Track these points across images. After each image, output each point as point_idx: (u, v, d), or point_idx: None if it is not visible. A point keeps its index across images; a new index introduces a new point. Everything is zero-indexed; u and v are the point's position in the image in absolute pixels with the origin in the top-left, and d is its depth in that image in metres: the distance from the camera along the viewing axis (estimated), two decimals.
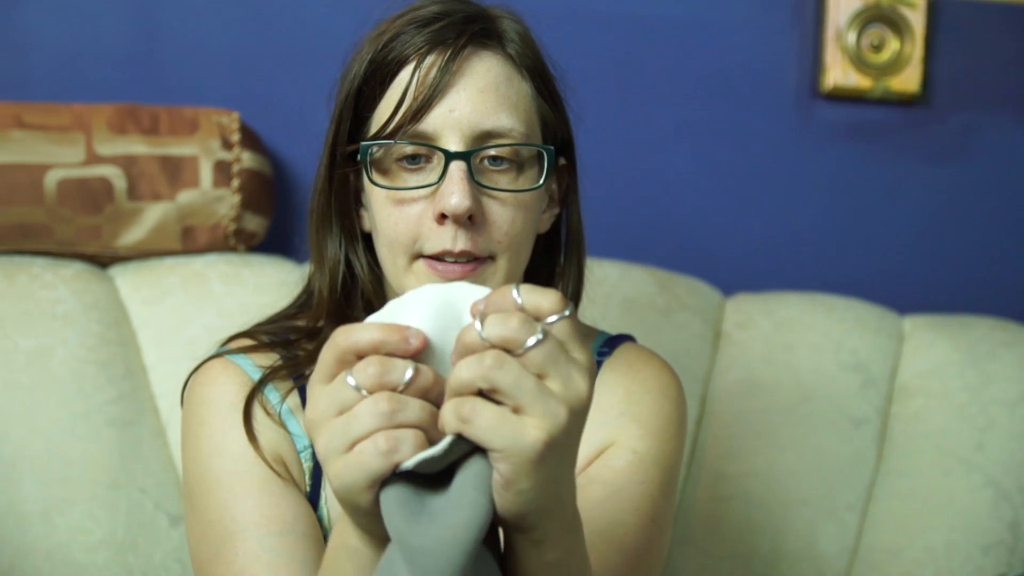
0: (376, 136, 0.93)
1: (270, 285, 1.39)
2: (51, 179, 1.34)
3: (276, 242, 1.54)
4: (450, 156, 0.90)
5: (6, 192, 1.33)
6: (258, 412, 0.96)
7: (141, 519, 1.26)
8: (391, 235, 0.93)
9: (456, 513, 0.65)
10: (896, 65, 1.71)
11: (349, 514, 0.70)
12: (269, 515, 0.90)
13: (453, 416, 0.65)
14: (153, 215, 1.38)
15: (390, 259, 0.94)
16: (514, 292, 0.67)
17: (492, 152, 0.92)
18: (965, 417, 1.50)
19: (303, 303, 1.07)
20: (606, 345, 1.08)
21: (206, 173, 1.39)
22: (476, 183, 0.91)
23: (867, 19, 1.69)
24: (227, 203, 1.41)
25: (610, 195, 1.62)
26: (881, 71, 1.70)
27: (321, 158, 0.99)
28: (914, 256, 1.76)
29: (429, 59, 0.91)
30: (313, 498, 0.96)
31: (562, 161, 1.02)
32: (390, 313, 0.70)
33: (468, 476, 0.66)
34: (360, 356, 0.67)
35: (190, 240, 1.41)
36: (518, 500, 0.66)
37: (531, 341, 0.65)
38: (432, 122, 0.91)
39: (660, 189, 1.69)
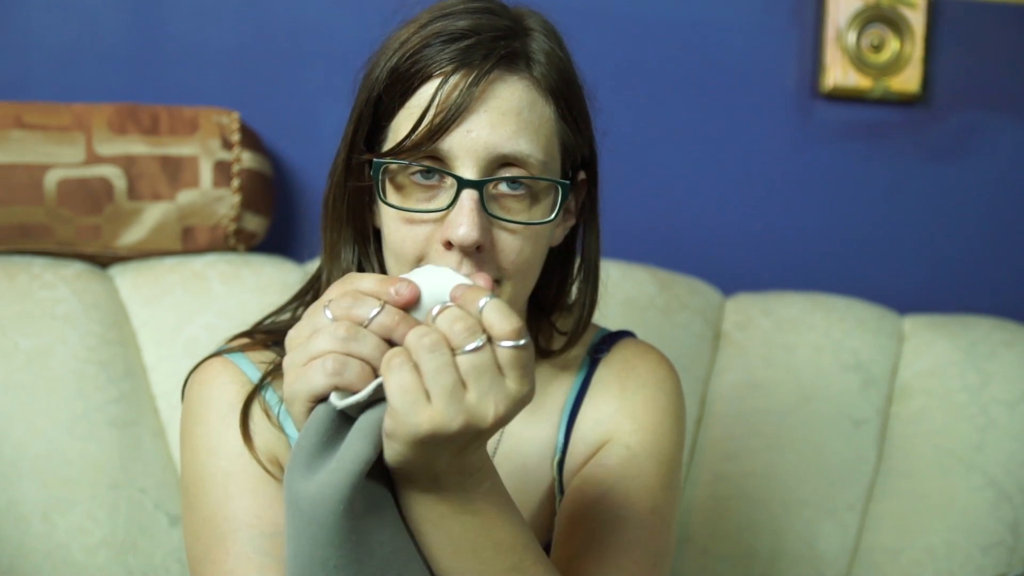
0: (392, 150, 0.91)
1: (270, 285, 1.39)
2: (51, 179, 1.34)
3: (276, 242, 1.54)
4: (463, 184, 0.88)
5: (6, 192, 1.33)
6: (256, 413, 0.96)
7: (141, 519, 1.26)
8: (398, 250, 0.92)
9: (341, 457, 0.73)
10: (896, 65, 1.71)
11: (296, 424, 0.77)
12: (262, 516, 0.90)
13: (386, 358, 0.72)
14: (153, 215, 1.39)
15: (396, 270, 0.93)
16: (483, 300, 0.73)
17: (506, 181, 0.90)
18: (965, 417, 1.50)
19: (312, 297, 1.05)
20: (604, 343, 1.08)
21: (206, 173, 1.39)
22: (487, 213, 0.89)
23: (867, 19, 1.69)
24: (227, 203, 1.41)
25: (610, 195, 1.60)
26: (881, 71, 1.70)
27: (337, 155, 0.97)
28: (914, 256, 1.76)
29: (453, 79, 0.89)
30: None
31: (582, 175, 1.00)
32: (413, 276, 0.78)
33: (365, 419, 0.74)
34: None
35: (190, 240, 1.41)
36: (394, 455, 0.73)
37: (467, 347, 0.71)
38: (449, 142, 0.88)
39: (660, 189, 1.69)
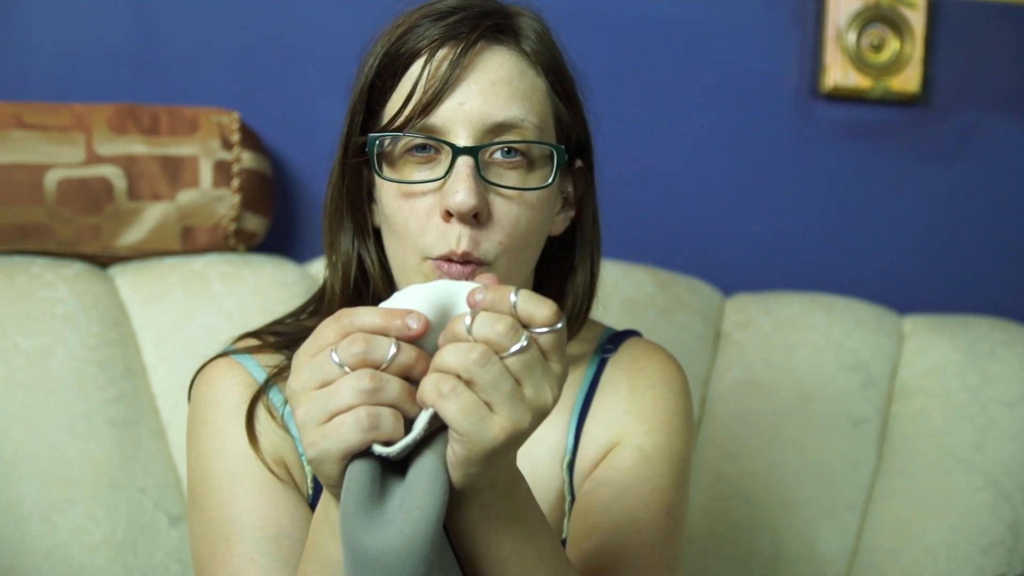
0: (385, 129, 0.92)
1: (270, 285, 1.39)
2: (51, 179, 1.34)
3: (276, 242, 1.54)
4: (457, 151, 0.88)
5: (6, 192, 1.33)
6: (261, 414, 0.96)
7: (141, 519, 1.26)
8: (400, 229, 0.92)
9: (412, 505, 0.69)
10: (896, 65, 1.71)
11: (324, 483, 0.73)
12: (266, 518, 0.90)
13: (433, 389, 0.69)
14: (153, 215, 1.39)
15: (400, 255, 0.93)
16: (512, 296, 0.70)
17: (502, 148, 0.90)
18: (965, 417, 1.50)
19: (316, 304, 1.05)
20: (611, 342, 1.07)
21: (206, 173, 1.39)
22: (483, 179, 0.89)
23: (867, 19, 1.69)
24: (227, 203, 1.41)
25: (610, 195, 1.60)
26: (881, 71, 1.70)
27: (336, 153, 0.98)
28: (914, 256, 1.76)
29: (441, 52, 0.90)
30: (314, 502, 0.95)
31: (578, 163, 1.00)
32: (395, 302, 0.73)
33: (423, 462, 0.71)
34: None
35: (190, 240, 1.41)
36: (465, 478, 0.71)
37: (514, 348, 0.69)
38: (441, 115, 0.89)
39: (660, 189, 1.69)
